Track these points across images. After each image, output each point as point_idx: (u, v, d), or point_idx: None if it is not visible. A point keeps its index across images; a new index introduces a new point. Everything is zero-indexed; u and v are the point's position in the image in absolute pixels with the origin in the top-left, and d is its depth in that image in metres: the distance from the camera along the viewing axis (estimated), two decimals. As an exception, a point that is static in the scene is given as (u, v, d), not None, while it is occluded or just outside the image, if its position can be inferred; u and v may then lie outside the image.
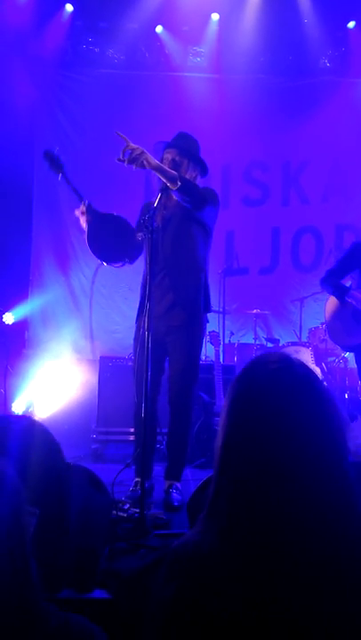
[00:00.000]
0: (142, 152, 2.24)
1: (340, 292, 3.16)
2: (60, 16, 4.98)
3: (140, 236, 2.67)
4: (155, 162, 2.28)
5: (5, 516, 0.63)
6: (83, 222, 2.48)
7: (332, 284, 3.19)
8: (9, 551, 0.62)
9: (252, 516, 0.74)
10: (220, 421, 0.86)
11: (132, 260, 2.61)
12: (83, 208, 2.45)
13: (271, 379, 0.85)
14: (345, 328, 3.19)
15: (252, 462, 0.78)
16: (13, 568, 0.62)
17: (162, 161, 2.52)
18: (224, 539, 0.75)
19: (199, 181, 2.64)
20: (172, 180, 2.33)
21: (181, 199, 2.42)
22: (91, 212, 2.45)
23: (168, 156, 2.53)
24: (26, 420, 1.29)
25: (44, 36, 4.98)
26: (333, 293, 3.20)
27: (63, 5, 4.94)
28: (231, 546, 0.74)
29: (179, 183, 2.33)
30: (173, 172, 2.37)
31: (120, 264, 2.59)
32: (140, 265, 2.77)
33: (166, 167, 2.38)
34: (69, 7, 4.96)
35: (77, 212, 2.48)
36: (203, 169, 2.64)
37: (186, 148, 2.57)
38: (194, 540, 0.78)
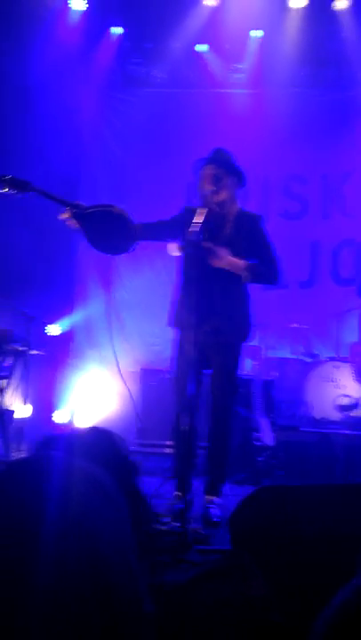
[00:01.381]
0: (216, 258, 2.44)
1: None
2: (108, 37, 5.16)
3: (175, 249, 2.74)
4: (228, 259, 2.48)
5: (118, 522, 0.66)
6: (71, 225, 2.49)
7: None
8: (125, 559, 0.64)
9: None
10: None
11: (163, 240, 2.68)
12: (66, 214, 2.45)
13: None
14: None
15: None
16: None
17: (202, 177, 2.59)
18: None
19: (238, 192, 2.69)
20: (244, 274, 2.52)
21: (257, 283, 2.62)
22: (77, 217, 2.45)
23: (208, 172, 2.59)
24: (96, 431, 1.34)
25: (94, 56, 5.17)
26: None
27: (112, 27, 5.12)
28: None
29: (248, 275, 2.53)
30: (241, 265, 2.51)
31: (124, 252, 2.60)
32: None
33: (234, 263, 2.51)
34: (118, 29, 5.13)
35: (61, 218, 2.49)
36: (240, 179, 2.69)
37: (223, 161, 2.63)
38: None
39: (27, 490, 0.64)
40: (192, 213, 2.62)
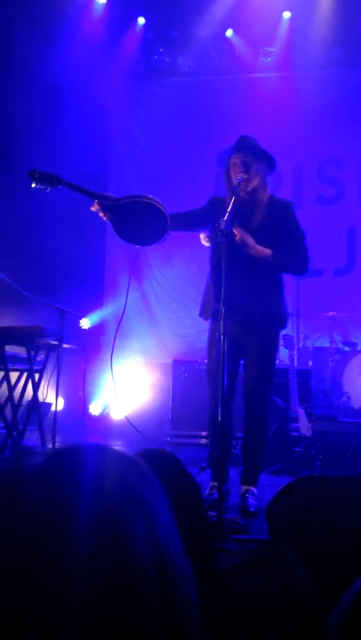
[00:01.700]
0: (243, 235, 2.43)
1: None
2: (133, 29, 5.15)
3: (205, 239, 2.70)
4: (252, 243, 2.45)
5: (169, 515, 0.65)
6: (102, 217, 2.49)
7: None
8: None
9: None
10: None
11: (192, 229, 2.68)
12: (96, 206, 2.45)
13: None
14: None
15: None
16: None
17: (229, 166, 2.54)
18: None
19: (269, 177, 2.62)
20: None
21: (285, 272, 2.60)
22: (106, 208, 2.44)
23: (236, 160, 2.53)
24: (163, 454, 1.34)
25: (118, 49, 5.17)
26: None
27: (136, 18, 5.10)
28: None
29: (275, 264, 2.49)
30: (267, 253, 2.47)
31: (155, 242, 2.58)
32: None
33: (259, 249, 2.46)
34: (141, 20, 5.11)
35: (93, 209, 2.49)
36: (270, 165, 2.62)
37: (252, 147, 2.57)
38: None
39: (66, 479, 0.64)
40: (220, 203, 2.58)
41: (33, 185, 2.36)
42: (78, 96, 4.97)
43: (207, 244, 2.73)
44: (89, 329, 4.78)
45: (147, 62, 5.39)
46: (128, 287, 2.84)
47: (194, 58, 5.34)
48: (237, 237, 2.40)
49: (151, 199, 2.49)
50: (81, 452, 0.66)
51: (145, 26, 5.16)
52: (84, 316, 4.73)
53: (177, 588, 0.59)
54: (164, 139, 5.41)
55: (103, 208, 2.44)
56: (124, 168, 5.52)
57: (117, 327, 2.71)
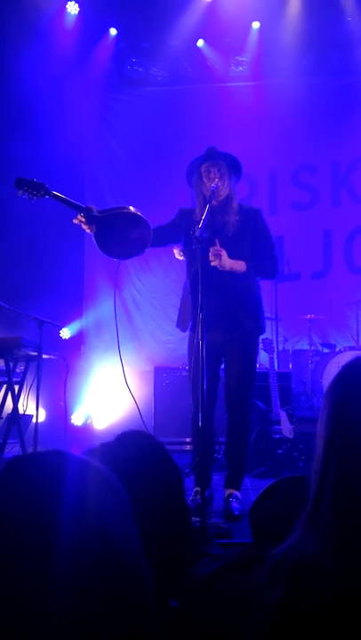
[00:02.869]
0: (222, 259, 2.45)
1: None
2: (105, 39, 5.18)
3: (179, 254, 2.72)
4: (229, 265, 2.47)
5: (124, 516, 0.66)
6: (86, 229, 2.44)
7: None
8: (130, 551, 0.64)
9: (357, 520, 0.73)
10: (320, 424, 0.85)
11: (164, 244, 2.67)
12: (80, 218, 2.40)
13: None
14: None
15: (356, 465, 0.77)
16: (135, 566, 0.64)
17: (201, 176, 2.57)
18: (327, 543, 0.73)
19: (235, 184, 2.66)
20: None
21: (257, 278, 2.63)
22: (91, 220, 2.41)
23: (210, 168, 2.56)
24: (139, 435, 1.33)
25: (91, 61, 5.19)
26: None
27: (107, 30, 5.13)
28: (335, 550, 0.73)
29: (248, 274, 2.52)
30: (241, 266, 2.50)
31: (140, 253, 2.55)
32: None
33: (236, 267, 2.50)
34: (113, 31, 5.15)
35: (76, 222, 2.43)
36: (238, 174, 2.67)
37: (223, 157, 2.62)
38: (296, 544, 0.77)
39: (31, 483, 0.64)
40: (188, 214, 2.61)
41: (19, 193, 2.34)
42: (52, 106, 4.97)
43: (181, 258, 2.75)
44: (69, 338, 4.75)
45: (120, 72, 5.43)
46: (115, 294, 2.81)
47: (167, 68, 5.40)
48: (214, 263, 2.43)
49: (133, 210, 2.50)
50: (39, 460, 0.67)
51: (117, 36, 5.19)
52: (63, 326, 4.70)
53: (126, 593, 0.60)
54: (139, 147, 5.44)
55: (89, 220, 2.41)
56: (100, 177, 5.53)
57: (117, 329, 2.66)
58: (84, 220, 2.41)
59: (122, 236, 2.47)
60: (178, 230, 2.66)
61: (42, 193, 2.36)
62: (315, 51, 5.23)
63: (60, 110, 4.99)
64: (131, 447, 1.28)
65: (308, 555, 0.74)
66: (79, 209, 2.42)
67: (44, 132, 4.85)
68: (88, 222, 2.41)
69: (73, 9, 4.90)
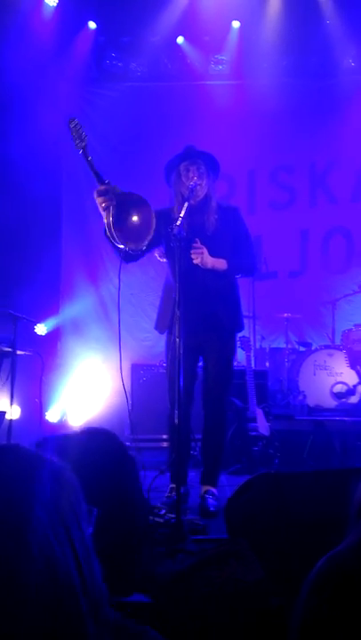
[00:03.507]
0: (203, 257, 2.45)
1: None
2: (84, 32, 5.11)
3: (160, 255, 2.71)
4: (210, 263, 2.48)
5: (66, 512, 0.65)
6: (102, 204, 2.31)
7: None
8: (71, 549, 0.63)
9: None
10: None
11: (148, 249, 2.54)
12: (103, 187, 2.29)
13: None
14: None
15: None
16: (76, 563, 0.63)
17: (179, 174, 2.56)
18: None
19: (214, 183, 2.65)
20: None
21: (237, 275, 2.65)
22: (112, 193, 2.31)
23: (189, 167, 2.56)
24: (90, 431, 1.33)
25: (69, 54, 5.12)
26: None
27: (86, 23, 5.07)
28: None
29: (229, 272, 2.54)
30: (222, 264, 2.51)
31: (140, 251, 2.47)
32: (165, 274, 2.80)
33: (217, 264, 2.51)
34: (92, 24, 5.08)
35: (95, 193, 2.33)
36: (216, 173, 2.68)
37: (202, 156, 2.62)
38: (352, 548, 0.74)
39: None
40: (165, 215, 2.59)
41: (72, 124, 2.31)
42: (27, 98, 4.88)
43: (163, 260, 2.74)
44: (45, 335, 4.68)
45: (98, 66, 5.36)
46: (119, 289, 2.70)
47: (146, 64, 5.36)
48: (196, 260, 2.42)
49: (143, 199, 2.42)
50: None
51: (96, 30, 5.13)
52: (39, 322, 4.63)
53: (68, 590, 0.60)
54: (118, 143, 5.39)
55: (109, 190, 2.28)
56: (77, 171, 5.46)
57: (120, 324, 2.60)
58: (104, 190, 2.29)
59: (130, 219, 2.38)
60: (157, 234, 2.64)
61: (78, 145, 2.30)
62: (294, 52, 5.28)
63: (37, 102, 4.90)
64: (91, 442, 1.28)
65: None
66: (101, 180, 2.32)
67: (18, 123, 4.77)
68: (108, 195, 2.29)
69: (51, 0, 4.82)
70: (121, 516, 1.27)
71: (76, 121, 2.32)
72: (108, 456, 1.31)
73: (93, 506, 0.76)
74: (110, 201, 2.29)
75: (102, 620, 0.63)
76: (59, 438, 1.33)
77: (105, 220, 2.33)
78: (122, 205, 2.33)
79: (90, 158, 2.30)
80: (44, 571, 0.60)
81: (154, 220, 2.39)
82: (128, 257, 2.45)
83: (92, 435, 1.32)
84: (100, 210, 2.34)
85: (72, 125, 2.31)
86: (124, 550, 1.41)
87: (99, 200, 2.32)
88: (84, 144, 2.31)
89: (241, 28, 5.16)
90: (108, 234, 2.33)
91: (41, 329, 4.56)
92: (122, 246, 2.34)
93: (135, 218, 2.38)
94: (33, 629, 0.57)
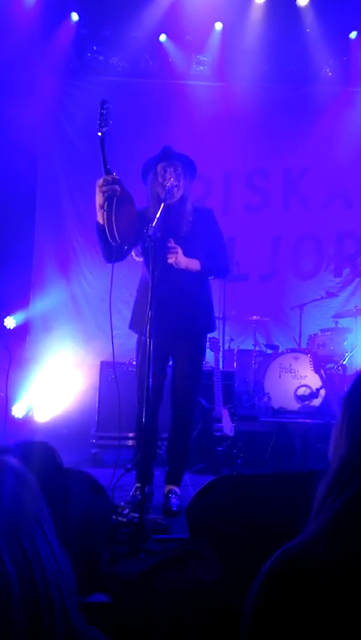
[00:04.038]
0: (177, 257, 2.48)
1: None
2: (66, 23, 5.03)
3: (136, 254, 2.71)
4: (184, 263, 2.51)
5: (36, 511, 0.67)
6: (104, 193, 2.29)
7: None
8: (47, 544, 0.66)
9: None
10: (337, 437, 0.86)
11: (129, 248, 2.55)
12: (111, 176, 2.28)
13: None
14: None
15: None
16: (55, 560, 0.65)
17: (156, 175, 2.58)
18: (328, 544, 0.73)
19: (188, 182, 2.68)
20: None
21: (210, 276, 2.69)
22: (115, 185, 2.29)
23: (167, 168, 2.58)
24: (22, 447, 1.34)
25: (51, 44, 5.03)
26: None
27: (69, 14, 5.00)
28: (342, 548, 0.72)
29: (202, 272, 2.58)
30: (195, 264, 2.55)
31: (124, 250, 2.48)
32: (139, 271, 2.81)
33: (191, 265, 2.55)
34: (75, 16, 5.01)
35: (101, 182, 2.30)
36: (193, 174, 2.71)
37: (178, 157, 2.64)
38: (303, 542, 0.76)
39: None
40: (142, 215, 2.60)
41: (102, 111, 2.30)
42: (6, 85, 4.78)
43: (139, 259, 2.75)
44: (13, 328, 4.61)
45: (80, 59, 5.30)
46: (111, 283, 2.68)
47: (128, 59, 5.33)
48: (170, 260, 2.45)
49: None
50: None
51: (78, 22, 5.06)
52: (8, 315, 4.56)
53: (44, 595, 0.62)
54: (94, 136, 5.33)
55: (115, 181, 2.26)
56: (54, 162, 5.39)
57: (111, 321, 2.56)
58: (111, 180, 2.27)
59: (124, 217, 2.37)
60: (136, 233, 2.65)
61: (102, 130, 2.30)
62: (274, 58, 5.35)
63: (14, 91, 4.81)
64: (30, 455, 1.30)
65: (312, 553, 0.73)
66: (108, 170, 2.31)
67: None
68: (112, 186, 2.27)
69: (33, -12, 4.73)
70: (78, 518, 1.29)
71: (109, 105, 2.31)
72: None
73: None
74: (114, 192, 2.29)
75: (72, 626, 0.65)
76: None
77: (100, 214, 2.34)
78: (120, 201, 2.34)
79: (104, 148, 2.30)
80: (28, 566, 0.62)
81: (136, 220, 2.41)
82: (114, 255, 2.44)
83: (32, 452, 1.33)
84: (99, 201, 2.33)
85: (103, 107, 2.31)
86: (83, 550, 1.43)
87: (103, 189, 2.30)
88: (105, 129, 2.30)
89: (223, 29, 5.19)
90: (106, 228, 2.33)
91: (10, 322, 4.49)
92: (113, 243, 2.36)
93: (127, 215, 2.40)
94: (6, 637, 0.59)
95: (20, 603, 0.59)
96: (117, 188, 2.31)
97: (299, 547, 0.76)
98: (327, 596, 0.69)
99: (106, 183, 2.29)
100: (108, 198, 2.30)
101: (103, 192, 2.31)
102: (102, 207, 2.32)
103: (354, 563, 0.71)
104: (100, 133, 2.29)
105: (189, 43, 5.27)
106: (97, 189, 2.34)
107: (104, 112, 2.30)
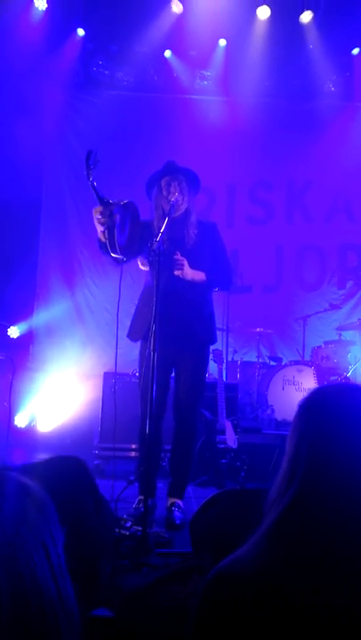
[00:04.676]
0: (184, 269, 2.50)
1: None
2: (72, 39, 5.13)
3: (142, 264, 2.74)
4: (190, 275, 2.54)
5: (42, 531, 0.67)
6: (100, 222, 2.35)
7: None
8: (47, 561, 0.65)
9: (305, 540, 0.74)
10: (289, 440, 0.87)
11: (133, 256, 2.59)
12: (107, 208, 2.32)
13: (344, 396, 0.87)
14: None
15: (321, 479, 0.79)
16: (55, 582, 0.65)
17: (161, 189, 2.61)
18: (272, 559, 0.74)
19: (192, 196, 2.72)
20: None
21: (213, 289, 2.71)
22: (110, 210, 2.35)
23: (171, 182, 2.60)
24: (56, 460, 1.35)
25: (57, 58, 5.12)
26: None
27: (75, 29, 5.09)
28: (278, 566, 0.73)
29: (206, 284, 2.59)
30: (201, 276, 2.57)
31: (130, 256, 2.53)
32: (142, 282, 2.83)
33: (196, 277, 2.57)
34: (81, 31, 5.11)
35: (97, 214, 2.34)
36: (197, 188, 2.74)
37: (182, 171, 2.67)
38: (243, 556, 0.77)
39: None
40: (147, 226, 2.64)
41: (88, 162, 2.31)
42: (11, 98, 4.86)
43: (145, 269, 2.77)
44: (17, 338, 4.63)
45: (86, 73, 5.39)
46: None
47: (133, 73, 5.42)
48: (177, 272, 2.48)
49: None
50: None
51: (85, 37, 5.16)
52: (12, 325, 4.58)
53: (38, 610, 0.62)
54: (99, 149, 5.37)
55: (107, 213, 2.30)
56: (59, 175, 5.45)
57: (117, 327, 2.59)
58: (99, 213, 2.31)
59: (126, 232, 2.43)
60: (141, 244, 2.68)
61: (90, 178, 2.31)
62: (277, 74, 5.42)
63: (20, 104, 4.89)
64: (57, 470, 1.30)
65: (252, 568, 0.74)
66: (100, 200, 2.34)
67: (1, 123, 4.74)
68: (105, 215, 2.31)
69: (41, 4, 4.82)
70: (81, 531, 1.29)
71: (95, 153, 2.35)
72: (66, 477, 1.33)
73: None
74: (107, 218, 2.33)
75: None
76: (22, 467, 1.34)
77: (100, 235, 2.39)
78: (120, 223, 2.39)
79: (93, 182, 2.32)
80: (23, 589, 0.62)
81: (140, 231, 2.47)
82: (120, 262, 2.49)
83: (62, 463, 1.34)
84: (97, 228, 2.39)
85: (90, 157, 2.34)
86: (84, 564, 1.43)
87: (101, 221, 2.35)
88: (91, 177, 2.32)
89: (227, 46, 5.27)
90: (108, 245, 2.38)
91: (13, 331, 4.52)
92: (117, 256, 2.40)
93: (129, 231, 2.46)
94: None
95: (10, 619, 0.59)
96: (115, 216, 2.33)
97: (228, 565, 0.77)
98: (255, 614, 0.70)
99: (102, 215, 2.32)
100: (102, 224, 2.34)
101: (101, 224, 2.35)
102: (102, 233, 2.37)
103: (278, 578, 0.72)
104: (90, 179, 2.31)
105: (194, 58, 5.35)
106: (94, 219, 2.37)
107: (90, 162, 2.31)
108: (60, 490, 1.16)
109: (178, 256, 2.49)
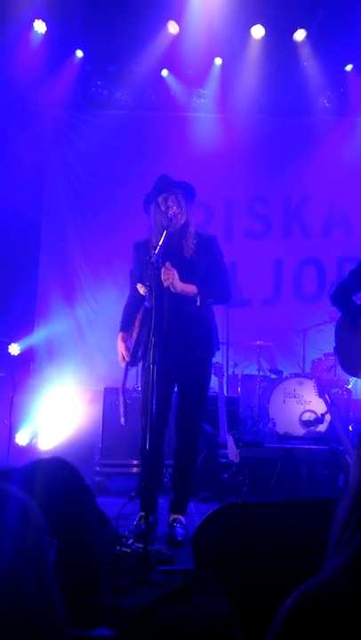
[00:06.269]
0: (173, 280, 2.51)
1: (353, 312, 2.78)
2: (71, 60, 5.23)
3: (142, 288, 2.75)
4: (180, 287, 2.55)
5: (30, 544, 0.66)
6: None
7: (345, 300, 2.81)
8: (35, 578, 0.64)
9: None
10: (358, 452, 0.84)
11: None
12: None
13: None
14: (358, 355, 2.72)
15: None
16: (41, 594, 0.64)
17: (158, 204, 2.63)
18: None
19: (189, 208, 2.74)
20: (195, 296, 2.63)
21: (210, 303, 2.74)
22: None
23: (168, 197, 2.63)
24: (55, 461, 1.33)
25: (56, 79, 5.22)
26: (345, 312, 2.82)
27: (74, 51, 5.20)
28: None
29: (198, 299, 2.62)
30: (192, 289, 2.59)
31: None
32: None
33: (187, 289, 2.59)
34: (80, 52, 5.22)
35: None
36: (192, 199, 2.76)
37: (178, 185, 2.70)
38: (326, 579, 0.72)
39: None
40: (144, 246, 2.66)
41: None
42: (13, 119, 4.94)
43: (143, 293, 2.77)
44: (18, 355, 4.63)
45: (84, 93, 5.49)
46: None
47: (131, 93, 5.52)
48: (166, 283, 2.48)
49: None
50: None
51: (83, 58, 5.27)
52: (12, 342, 4.59)
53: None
54: (101, 169, 5.49)
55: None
56: (60, 195, 5.52)
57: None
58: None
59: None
60: (140, 270, 2.71)
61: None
62: (272, 90, 5.52)
63: (20, 124, 4.96)
64: (46, 475, 1.29)
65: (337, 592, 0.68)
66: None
67: (1, 144, 4.81)
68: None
69: (40, 27, 4.93)
70: (78, 548, 1.28)
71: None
72: (63, 486, 1.32)
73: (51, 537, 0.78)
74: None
75: None
76: (18, 471, 1.33)
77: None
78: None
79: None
80: (12, 605, 0.61)
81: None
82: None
83: (50, 468, 1.33)
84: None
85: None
86: (82, 582, 1.41)
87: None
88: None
89: (223, 64, 5.38)
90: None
91: (14, 349, 4.52)
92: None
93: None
94: None
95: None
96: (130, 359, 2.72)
97: (319, 585, 0.72)
98: (350, 637, 0.67)
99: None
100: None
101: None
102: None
103: None
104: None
105: (190, 77, 5.45)
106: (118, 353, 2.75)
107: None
108: (50, 495, 1.15)
109: (168, 266, 2.48)
